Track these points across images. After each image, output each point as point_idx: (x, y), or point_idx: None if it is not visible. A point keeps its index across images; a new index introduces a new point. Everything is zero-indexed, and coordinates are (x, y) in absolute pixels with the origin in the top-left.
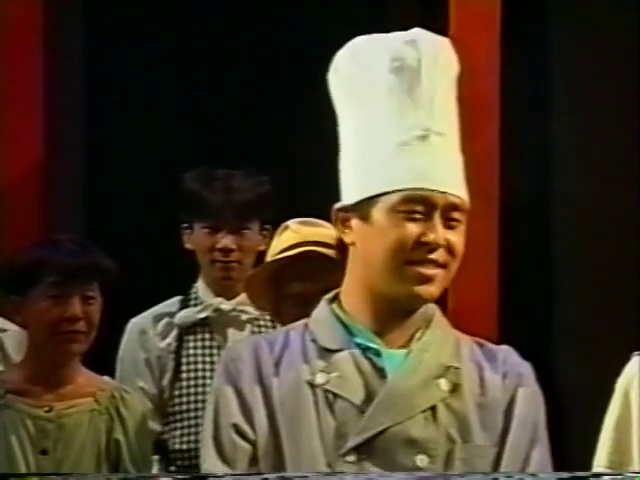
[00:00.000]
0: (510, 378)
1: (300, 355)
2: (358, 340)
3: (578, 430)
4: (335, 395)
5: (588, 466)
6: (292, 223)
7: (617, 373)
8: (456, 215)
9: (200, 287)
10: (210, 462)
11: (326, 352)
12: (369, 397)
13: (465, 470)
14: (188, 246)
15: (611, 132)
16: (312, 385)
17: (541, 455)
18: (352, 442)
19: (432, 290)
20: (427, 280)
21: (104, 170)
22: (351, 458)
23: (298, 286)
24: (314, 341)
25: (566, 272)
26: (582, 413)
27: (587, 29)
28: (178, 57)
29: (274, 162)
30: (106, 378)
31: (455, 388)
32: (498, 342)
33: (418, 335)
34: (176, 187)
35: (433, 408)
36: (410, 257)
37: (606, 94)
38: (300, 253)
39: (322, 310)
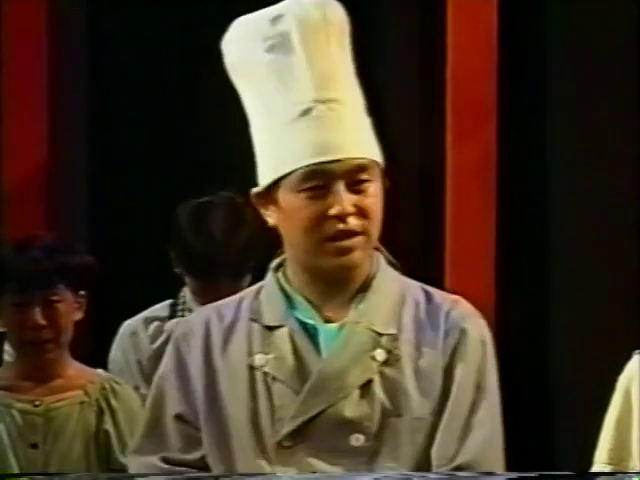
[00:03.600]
0: (451, 337)
1: (245, 336)
2: (298, 315)
3: (579, 427)
4: (273, 377)
5: (588, 463)
6: None
7: (618, 371)
8: (363, 176)
9: (187, 293)
10: (145, 447)
11: (267, 330)
12: (303, 377)
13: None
14: (177, 271)
15: (609, 134)
16: (252, 367)
17: (483, 415)
18: (286, 428)
19: (355, 258)
20: (347, 251)
21: (108, 170)
22: (286, 443)
23: None
24: (257, 320)
25: (564, 271)
26: (583, 410)
27: (585, 31)
28: (184, 54)
29: None
30: (99, 370)
31: (391, 357)
32: (496, 343)
33: (355, 303)
34: (171, 194)
35: (369, 382)
36: (324, 234)
37: (604, 96)
38: None
39: (269, 279)
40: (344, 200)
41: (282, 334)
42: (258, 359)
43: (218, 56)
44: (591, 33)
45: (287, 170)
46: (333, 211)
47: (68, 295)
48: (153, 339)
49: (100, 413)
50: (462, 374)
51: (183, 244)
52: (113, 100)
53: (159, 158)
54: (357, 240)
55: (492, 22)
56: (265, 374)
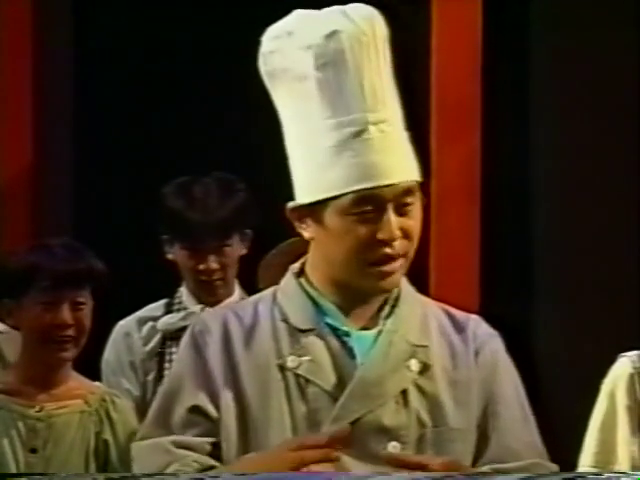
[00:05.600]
0: (483, 356)
1: (270, 336)
2: (328, 320)
3: (564, 429)
4: (307, 380)
5: (573, 465)
6: None
7: (603, 374)
8: (409, 199)
9: (184, 292)
10: (153, 432)
11: (297, 332)
12: (340, 381)
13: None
14: (169, 257)
15: (594, 134)
16: (283, 368)
17: (534, 430)
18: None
19: (395, 280)
20: (389, 275)
21: (94, 172)
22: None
23: None
24: (285, 321)
25: (549, 274)
26: (568, 413)
27: (569, 32)
28: (169, 58)
29: (254, 164)
30: (97, 383)
31: (425, 368)
32: None
33: (385, 311)
34: (158, 196)
35: (404, 392)
36: (369, 258)
37: (589, 97)
38: None
39: (290, 284)
40: (393, 224)
41: (315, 338)
42: (290, 360)
43: (203, 55)
44: (576, 33)
45: (337, 192)
46: (381, 235)
47: (89, 300)
48: (146, 341)
49: (100, 423)
50: (506, 394)
51: (169, 210)
52: (99, 103)
53: (146, 160)
54: (399, 263)
55: (476, 25)
56: (297, 376)
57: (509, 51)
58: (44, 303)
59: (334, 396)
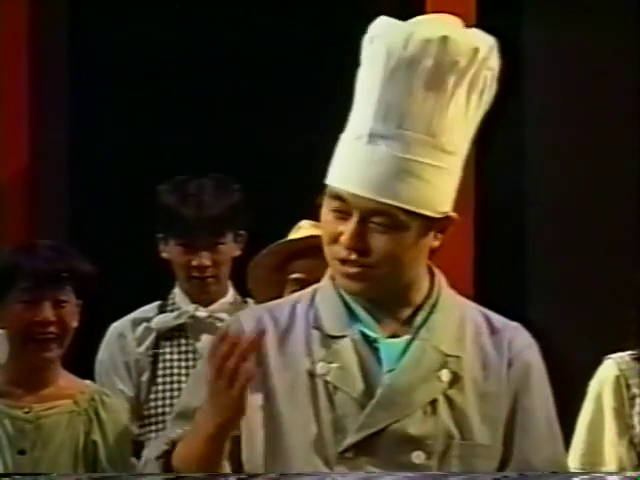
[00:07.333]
0: (516, 368)
1: (303, 341)
2: (360, 326)
3: None
4: (335, 387)
5: None
6: (307, 222)
7: (589, 376)
8: (379, 220)
9: (177, 293)
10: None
11: (328, 338)
12: (368, 389)
13: (465, 469)
14: (164, 255)
15: (589, 135)
16: (312, 375)
17: (560, 446)
18: (350, 439)
19: (361, 287)
20: (352, 277)
21: (89, 174)
22: (349, 455)
23: (304, 271)
24: (317, 327)
25: (541, 273)
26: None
27: (564, 32)
28: (166, 58)
29: (250, 166)
30: (87, 382)
31: (456, 379)
32: None
33: (419, 319)
34: (152, 198)
35: (433, 402)
36: (335, 254)
37: (584, 97)
38: (310, 238)
39: (327, 286)
40: (351, 232)
41: (346, 344)
42: (320, 367)
43: (201, 55)
44: (572, 35)
45: (328, 182)
46: (342, 238)
47: (72, 299)
48: (140, 341)
49: (89, 423)
50: (534, 407)
51: (163, 206)
52: (94, 103)
53: (141, 160)
54: (362, 271)
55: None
56: (326, 382)
57: (502, 55)
58: (25, 302)
59: (361, 403)
